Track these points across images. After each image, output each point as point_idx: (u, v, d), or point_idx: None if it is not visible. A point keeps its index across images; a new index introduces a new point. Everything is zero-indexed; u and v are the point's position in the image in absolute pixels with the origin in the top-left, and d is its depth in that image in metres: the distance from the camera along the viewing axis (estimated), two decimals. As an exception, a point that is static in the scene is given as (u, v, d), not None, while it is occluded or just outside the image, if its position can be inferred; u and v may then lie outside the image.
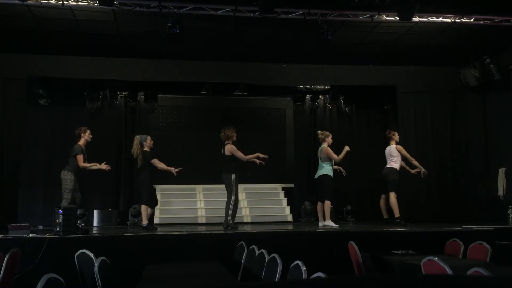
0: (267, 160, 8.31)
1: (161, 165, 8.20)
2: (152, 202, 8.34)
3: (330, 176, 8.50)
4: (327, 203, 8.50)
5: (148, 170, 8.12)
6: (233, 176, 7.93)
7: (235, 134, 8.19)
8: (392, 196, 8.83)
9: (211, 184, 10.94)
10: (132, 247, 6.42)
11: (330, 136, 8.74)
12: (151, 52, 9.62)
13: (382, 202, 9.14)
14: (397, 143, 9.11)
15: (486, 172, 10.23)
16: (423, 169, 8.95)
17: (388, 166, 9.07)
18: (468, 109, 10.67)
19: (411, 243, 6.35)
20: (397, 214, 8.77)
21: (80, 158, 8.00)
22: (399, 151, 9.00)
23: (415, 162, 9.01)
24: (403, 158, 9.06)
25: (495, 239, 6.64)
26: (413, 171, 9.09)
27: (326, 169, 8.50)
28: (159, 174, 8.46)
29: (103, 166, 8.24)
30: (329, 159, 8.49)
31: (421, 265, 3.93)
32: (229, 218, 7.94)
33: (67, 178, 7.90)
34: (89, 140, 8.26)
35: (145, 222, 8.02)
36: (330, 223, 8.40)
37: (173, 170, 8.29)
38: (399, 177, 8.99)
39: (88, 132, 8.25)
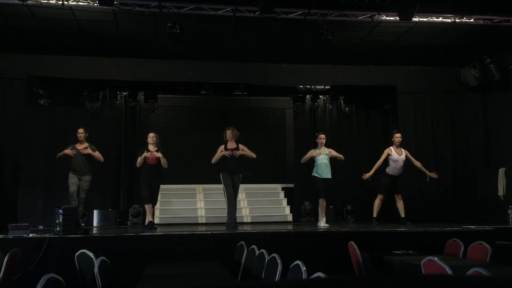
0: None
1: (138, 160, 8.26)
2: (149, 199, 8.29)
3: (315, 176, 8.60)
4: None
5: (142, 167, 8.28)
6: (221, 174, 8.10)
7: (226, 133, 8.23)
8: (378, 198, 8.97)
9: (211, 184, 10.92)
10: (132, 247, 6.42)
11: (319, 137, 8.77)
12: (151, 52, 9.61)
13: (398, 203, 9.02)
14: (394, 144, 9.05)
15: (486, 172, 10.23)
16: (367, 175, 8.78)
17: None
18: (468, 109, 10.66)
19: (411, 243, 6.35)
20: (374, 214, 8.90)
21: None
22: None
23: (374, 168, 8.88)
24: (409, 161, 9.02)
25: (495, 239, 6.64)
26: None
27: (313, 170, 8.63)
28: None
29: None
30: (313, 159, 8.65)
31: (421, 265, 3.93)
32: (228, 218, 7.99)
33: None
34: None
35: (147, 220, 8.10)
36: (319, 222, 8.51)
37: (147, 154, 8.21)
38: (389, 179, 8.97)
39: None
